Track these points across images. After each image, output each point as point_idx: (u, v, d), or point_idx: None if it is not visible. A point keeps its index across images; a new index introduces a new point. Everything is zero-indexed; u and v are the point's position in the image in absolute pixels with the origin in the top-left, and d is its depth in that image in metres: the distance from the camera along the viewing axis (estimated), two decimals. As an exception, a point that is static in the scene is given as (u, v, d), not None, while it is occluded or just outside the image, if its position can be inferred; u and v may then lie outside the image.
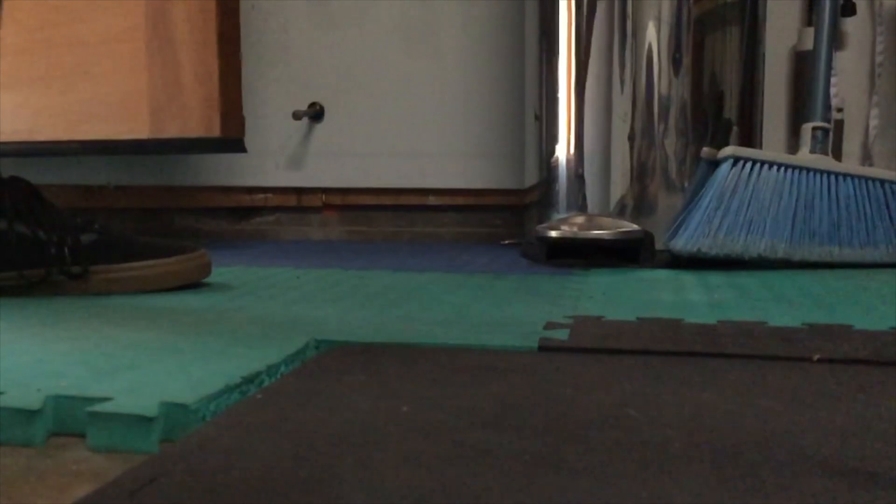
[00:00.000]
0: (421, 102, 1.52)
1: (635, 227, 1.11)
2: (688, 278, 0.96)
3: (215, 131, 1.36)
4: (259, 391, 0.48)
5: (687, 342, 0.60)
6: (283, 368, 0.53)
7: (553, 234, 1.13)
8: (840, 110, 1.33)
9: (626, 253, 1.10)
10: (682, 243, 1.03)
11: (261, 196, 1.62)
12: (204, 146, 1.41)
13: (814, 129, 1.10)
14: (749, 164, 1.04)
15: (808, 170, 1.07)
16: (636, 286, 0.91)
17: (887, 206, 1.10)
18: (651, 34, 1.12)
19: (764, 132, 1.23)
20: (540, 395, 0.46)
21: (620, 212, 1.14)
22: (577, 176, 1.16)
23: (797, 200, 1.06)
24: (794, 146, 1.18)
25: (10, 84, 1.30)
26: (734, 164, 1.04)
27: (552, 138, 1.19)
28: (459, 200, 1.54)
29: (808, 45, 1.19)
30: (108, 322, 0.68)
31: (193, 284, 0.88)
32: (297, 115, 1.52)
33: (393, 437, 0.39)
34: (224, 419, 0.42)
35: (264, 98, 1.55)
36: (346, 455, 0.36)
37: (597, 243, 1.12)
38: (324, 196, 1.59)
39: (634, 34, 1.12)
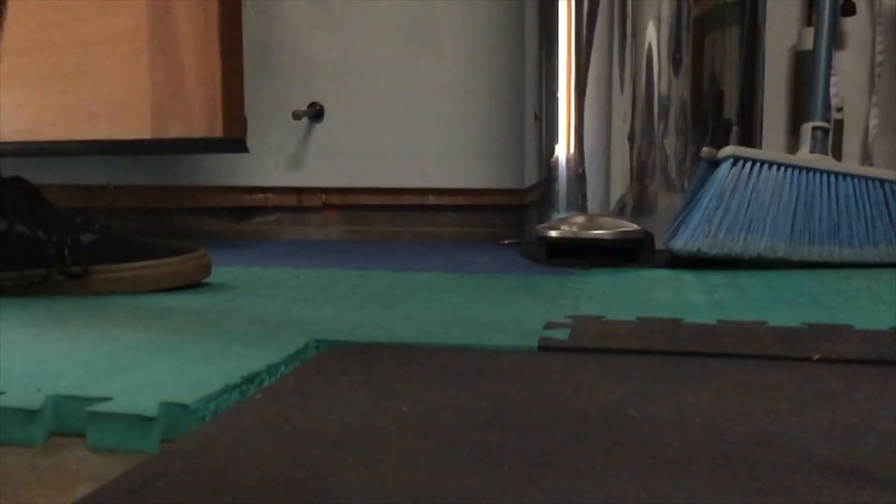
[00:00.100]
0: (421, 102, 1.52)
1: (635, 226, 1.11)
2: (688, 278, 0.96)
3: (218, 131, 1.36)
4: (259, 391, 0.48)
5: (687, 342, 0.60)
6: (282, 368, 0.53)
7: (553, 233, 1.13)
8: (840, 110, 1.33)
9: (626, 253, 1.10)
10: (682, 243, 1.03)
11: (261, 196, 1.62)
12: (206, 146, 1.41)
13: (814, 128, 1.10)
14: (749, 164, 1.04)
15: (808, 169, 1.07)
16: (636, 286, 0.91)
17: (887, 206, 1.10)
18: (651, 34, 1.12)
19: (764, 132, 1.23)
20: (540, 395, 0.46)
21: (620, 212, 1.14)
22: (577, 176, 1.16)
23: (797, 200, 1.06)
24: (793, 146, 1.18)
25: (11, 84, 1.30)
26: (734, 163, 1.04)
27: (552, 138, 1.19)
28: (459, 200, 1.54)
29: (808, 44, 1.19)
30: (108, 322, 0.68)
31: (193, 284, 0.88)
32: (296, 115, 1.52)
33: (393, 437, 0.39)
34: (224, 419, 0.42)
35: (264, 98, 1.55)
36: (346, 455, 0.36)
37: (597, 243, 1.12)
38: (324, 196, 1.59)
39: (634, 34, 1.12)
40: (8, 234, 0.81)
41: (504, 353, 0.57)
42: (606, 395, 0.46)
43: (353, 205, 1.59)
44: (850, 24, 1.35)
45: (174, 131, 1.37)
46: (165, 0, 1.36)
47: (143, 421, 0.40)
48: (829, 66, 1.13)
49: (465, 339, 0.60)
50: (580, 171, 1.16)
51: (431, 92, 1.51)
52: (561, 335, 0.61)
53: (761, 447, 0.38)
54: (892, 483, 0.33)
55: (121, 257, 0.84)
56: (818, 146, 1.10)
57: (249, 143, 1.47)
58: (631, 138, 1.13)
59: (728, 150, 1.05)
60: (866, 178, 1.10)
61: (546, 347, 0.58)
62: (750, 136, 1.17)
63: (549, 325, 0.65)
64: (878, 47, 1.34)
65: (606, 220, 1.13)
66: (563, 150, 1.17)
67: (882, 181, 1.10)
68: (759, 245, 1.04)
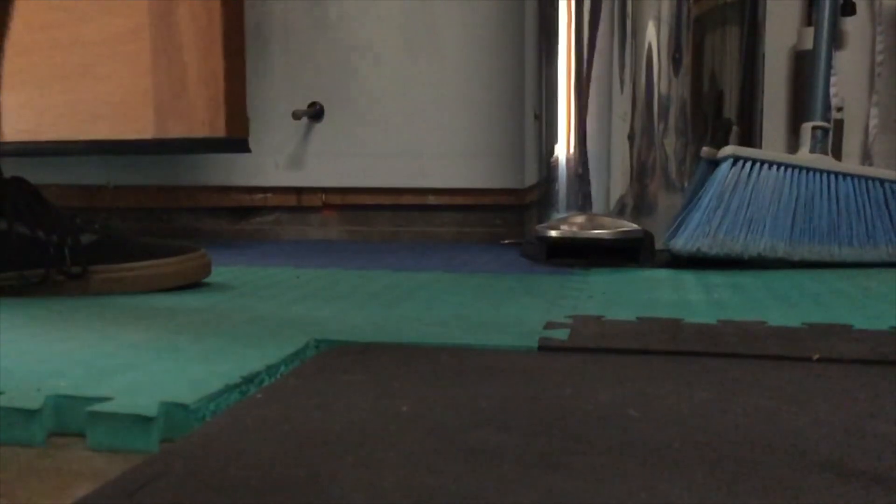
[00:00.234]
0: (421, 102, 1.52)
1: (635, 226, 1.11)
2: (688, 278, 0.96)
3: (220, 131, 1.36)
4: (259, 391, 0.48)
5: (687, 342, 0.60)
6: (282, 368, 0.53)
7: (553, 233, 1.13)
8: (840, 110, 1.33)
9: (626, 253, 1.10)
10: (682, 243, 1.03)
11: (260, 196, 1.62)
12: (209, 146, 1.41)
13: (813, 128, 1.10)
14: (749, 164, 1.04)
15: (808, 169, 1.07)
16: (636, 286, 0.91)
17: (887, 206, 1.10)
18: (651, 34, 1.12)
19: (764, 132, 1.23)
20: (540, 395, 0.46)
21: (620, 211, 1.14)
22: (577, 176, 1.16)
23: (797, 200, 1.06)
24: (793, 146, 1.18)
25: (14, 84, 1.30)
26: (734, 163, 1.04)
27: (552, 138, 1.19)
28: (459, 200, 1.54)
29: (808, 44, 1.19)
30: (108, 322, 0.68)
31: (193, 284, 0.88)
32: (296, 115, 1.52)
33: (393, 437, 0.39)
34: (224, 419, 0.42)
35: (264, 97, 1.55)
36: (346, 455, 0.36)
37: (597, 243, 1.12)
38: (323, 196, 1.59)
39: (634, 34, 1.12)
40: (8, 235, 0.81)
41: (504, 353, 0.57)
42: (606, 395, 0.46)
43: (352, 205, 1.59)
44: (850, 24, 1.35)
45: (176, 131, 1.37)
46: (168, 0, 1.36)
47: (143, 421, 0.40)
48: (829, 66, 1.13)
49: (465, 339, 0.60)
50: (580, 171, 1.16)
51: (431, 92, 1.51)
52: (561, 335, 0.61)
53: (761, 447, 0.38)
54: (892, 483, 0.33)
55: (121, 257, 0.84)
56: (818, 146, 1.10)
57: (250, 142, 1.47)
58: (631, 138, 1.13)
59: (728, 149, 1.05)
60: (866, 178, 1.10)
61: (546, 347, 0.58)
62: (750, 136, 1.17)
63: (549, 325, 0.65)
64: (878, 47, 1.34)
65: (606, 220, 1.13)
66: (562, 150, 1.17)
67: (882, 181, 1.10)
68: (759, 245, 1.04)
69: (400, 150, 1.53)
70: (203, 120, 1.36)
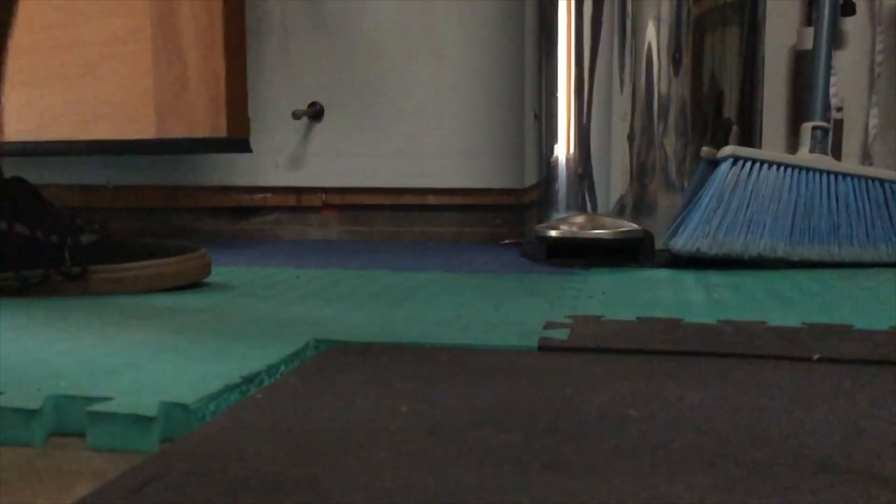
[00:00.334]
0: (421, 102, 1.52)
1: (635, 226, 1.11)
2: (687, 278, 0.96)
3: (221, 131, 1.36)
4: (259, 391, 0.48)
5: (687, 342, 0.60)
6: (282, 368, 0.53)
7: (553, 233, 1.13)
8: (840, 110, 1.33)
9: (626, 253, 1.10)
10: (682, 243, 1.03)
11: (260, 196, 1.62)
12: (210, 146, 1.41)
13: (813, 128, 1.10)
14: (748, 164, 1.04)
15: (808, 169, 1.07)
16: (636, 286, 0.91)
17: (887, 206, 1.10)
18: (651, 34, 1.12)
19: (763, 132, 1.23)
20: (540, 395, 0.46)
21: (620, 211, 1.14)
22: (576, 176, 1.16)
23: (797, 200, 1.06)
24: (793, 146, 1.18)
25: (14, 84, 1.30)
26: (734, 163, 1.04)
27: (552, 138, 1.19)
28: (459, 200, 1.54)
29: (808, 44, 1.19)
30: (108, 322, 0.68)
31: (193, 284, 0.88)
32: (296, 115, 1.52)
33: (393, 437, 0.39)
34: (224, 419, 0.42)
35: (264, 97, 1.55)
36: (346, 455, 0.37)
37: (597, 243, 1.12)
38: (323, 196, 1.59)
39: (634, 34, 1.12)
40: (7, 235, 0.81)
41: (504, 353, 0.57)
42: (606, 395, 0.46)
43: (352, 205, 1.59)
44: (849, 24, 1.35)
45: (177, 131, 1.37)
46: (169, 0, 1.36)
47: (143, 421, 0.40)
48: (828, 66, 1.13)
49: (465, 339, 0.60)
50: (580, 171, 1.16)
51: (431, 92, 1.51)
52: (561, 335, 0.61)
53: (761, 447, 0.38)
54: (892, 483, 0.33)
55: (121, 257, 0.84)
56: (818, 146, 1.10)
57: (250, 142, 1.47)
58: (631, 138, 1.13)
59: (728, 149, 1.05)
60: (866, 178, 1.10)
61: (546, 347, 0.58)
62: (750, 136, 1.17)
63: (549, 325, 0.65)
64: (878, 47, 1.34)
65: (606, 220, 1.13)
66: (562, 150, 1.17)
67: (882, 181, 1.10)
68: (758, 245, 1.04)
69: (400, 150, 1.53)
70: (204, 120, 1.36)
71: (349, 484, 0.33)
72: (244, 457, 0.36)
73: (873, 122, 1.35)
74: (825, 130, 1.11)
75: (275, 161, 1.58)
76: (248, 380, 0.48)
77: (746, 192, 1.04)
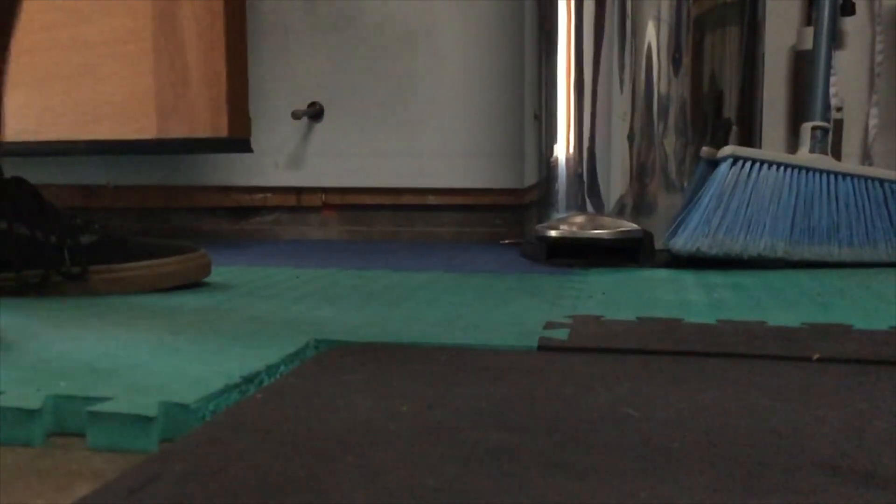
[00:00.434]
0: (421, 102, 1.52)
1: (635, 226, 1.11)
2: (687, 278, 0.96)
3: (222, 131, 1.36)
4: (259, 391, 0.48)
5: (687, 342, 0.60)
6: (282, 368, 0.53)
7: (553, 233, 1.13)
8: (840, 110, 1.33)
9: (626, 252, 1.10)
10: (682, 243, 1.03)
11: (260, 196, 1.62)
12: (211, 146, 1.41)
13: (813, 128, 1.10)
14: (748, 164, 1.04)
15: (808, 169, 1.07)
16: (636, 286, 0.91)
17: (886, 206, 1.10)
18: (650, 34, 1.12)
19: (763, 131, 1.23)
20: (540, 395, 0.46)
21: (620, 211, 1.14)
22: (576, 176, 1.16)
23: (797, 200, 1.06)
24: (793, 146, 1.18)
25: (16, 84, 1.30)
26: (733, 163, 1.04)
27: (552, 138, 1.19)
28: (459, 200, 1.54)
29: (808, 44, 1.19)
30: (108, 322, 0.68)
31: (193, 284, 0.88)
32: (296, 115, 1.52)
33: (393, 437, 0.39)
34: (224, 419, 0.42)
35: (264, 97, 1.55)
36: (346, 455, 0.37)
37: (596, 243, 1.12)
38: (323, 196, 1.59)
39: (634, 34, 1.12)
40: (7, 235, 0.81)
41: (504, 353, 0.57)
42: (606, 395, 0.46)
43: (352, 205, 1.59)
44: (849, 24, 1.35)
45: (178, 131, 1.37)
46: (170, 1, 1.36)
47: (143, 421, 0.40)
48: (828, 66, 1.13)
49: (465, 339, 0.60)
50: (580, 171, 1.16)
51: (431, 92, 1.51)
52: (561, 335, 0.61)
53: (761, 447, 0.38)
54: (892, 483, 0.33)
55: (120, 257, 0.84)
56: (818, 146, 1.10)
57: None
58: (630, 138, 1.13)
59: (727, 149, 1.05)
60: (866, 178, 1.10)
61: (546, 347, 0.58)
62: (749, 136, 1.17)
63: (549, 325, 0.65)
64: (878, 47, 1.34)
65: (606, 220, 1.13)
66: (562, 150, 1.17)
67: (882, 181, 1.10)
68: (758, 245, 1.04)
69: (400, 150, 1.53)
70: (205, 120, 1.36)
71: (349, 484, 0.33)
72: (244, 457, 0.36)
73: (873, 122, 1.35)
74: (825, 130, 1.11)
75: (275, 161, 1.58)
76: (248, 380, 0.48)
77: (746, 192, 1.04)
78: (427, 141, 1.52)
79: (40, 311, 0.73)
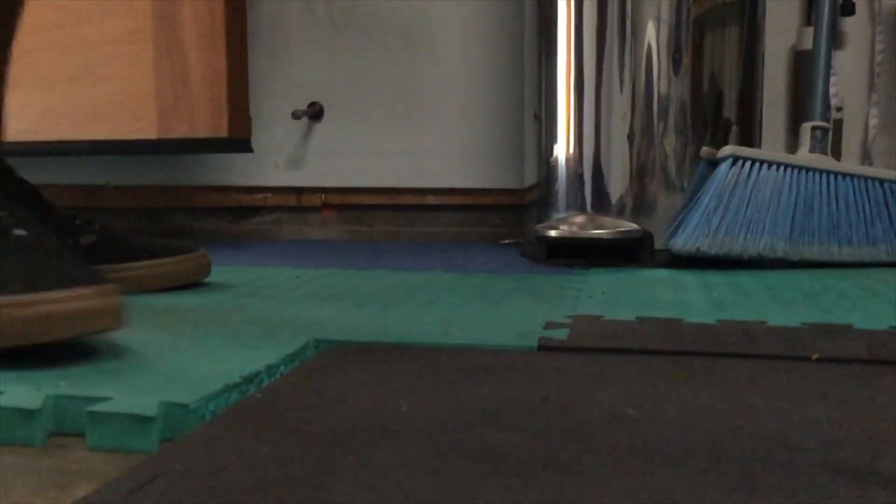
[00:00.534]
0: (420, 102, 1.52)
1: (635, 226, 1.11)
2: (687, 278, 0.96)
3: (223, 131, 1.36)
4: (259, 391, 0.48)
5: (687, 342, 0.60)
6: (282, 368, 0.53)
7: (553, 233, 1.13)
8: (839, 110, 1.33)
9: (626, 252, 1.10)
10: (682, 243, 1.03)
11: (260, 196, 1.62)
12: (211, 146, 1.41)
13: (813, 128, 1.10)
14: (748, 164, 1.04)
15: (808, 169, 1.07)
16: (636, 286, 0.91)
17: (886, 206, 1.10)
18: (650, 34, 1.12)
19: (763, 131, 1.23)
20: (540, 395, 0.46)
21: (620, 211, 1.14)
22: (576, 175, 1.16)
23: (796, 200, 1.06)
24: (793, 145, 1.18)
25: (17, 84, 1.30)
26: (733, 163, 1.04)
27: (552, 138, 1.19)
28: (458, 200, 1.54)
29: (808, 44, 1.19)
30: (107, 322, 0.68)
31: (193, 284, 0.88)
32: (296, 115, 1.52)
33: (393, 437, 0.39)
34: (224, 419, 0.42)
35: (264, 97, 1.55)
36: (346, 455, 0.37)
37: (596, 243, 1.12)
38: (323, 196, 1.59)
39: (634, 34, 1.12)
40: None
41: (504, 353, 0.57)
42: (606, 395, 0.46)
43: (352, 205, 1.59)
44: (849, 24, 1.35)
45: (179, 131, 1.37)
46: (171, 0, 1.36)
47: (142, 421, 0.40)
48: (828, 66, 1.13)
49: (464, 339, 0.60)
50: (580, 171, 1.16)
51: (431, 92, 1.51)
52: (561, 335, 0.61)
53: (761, 447, 0.38)
54: (892, 483, 0.33)
55: (120, 257, 0.84)
56: (818, 146, 1.10)
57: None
58: (630, 138, 1.13)
59: (727, 149, 1.05)
60: (866, 178, 1.10)
61: (546, 347, 0.58)
62: (749, 136, 1.17)
63: (549, 325, 0.65)
64: (878, 47, 1.34)
65: (606, 220, 1.13)
66: (562, 150, 1.17)
67: (882, 181, 1.10)
68: (758, 245, 1.04)
69: (400, 150, 1.53)
70: (205, 120, 1.36)
71: (349, 484, 0.33)
72: (244, 457, 0.36)
73: (873, 122, 1.35)
74: (825, 130, 1.11)
75: (275, 161, 1.58)
76: (248, 380, 0.48)
77: (746, 192, 1.04)
78: (427, 141, 1.52)
79: (40, 311, 0.73)
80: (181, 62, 1.36)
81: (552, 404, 0.45)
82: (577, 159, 1.16)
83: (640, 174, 1.13)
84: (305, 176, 1.58)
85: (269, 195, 1.61)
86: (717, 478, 0.34)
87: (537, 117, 1.22)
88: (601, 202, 1.15)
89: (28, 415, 0.41)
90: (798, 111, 1.29)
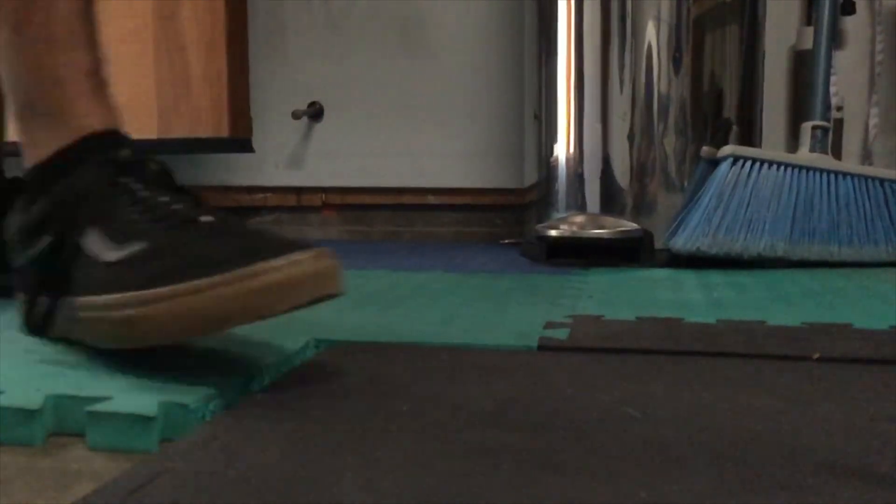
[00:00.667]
0: (420, 102, 1.52)
1: (635, 226, 1.11)
2: (687, 277, 0.96)
3: (224, 131, 1.36)
4: (259, 391, 0.48)
5: (687, 342, 0.60)
6: (282, 368, 0.53)
7: (553, 233, 1.13)
8: (840, 109, 1.33)
9: (626, 252, 1.10)
10: (682, 242, 1.03)
11: (260, 196, 1.62)
12: (212, 146, 1.41)
13: (813, 127, 1.10)
14: (748, 164, 1.04)
15: (808, 169, 1.07)
16: (636, 285, 0.91)
17: (887, 205, 1.10)
18: (650, 34, 1.12)
19: (763, 131, 1.23)
20: (540, 395, 0.46)
21: (620, 211, 1.14)
22: (576, 176, 1.16)
23: (797, 199, 1.06)
24: (793, 145, 1.18)
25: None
26: (734, 163, 1.04)
27: (552, 138, 1.19)
28: (459, 200, 1.54)
29: (808, 44, 1.19)
30: (107, 322, 0.68)
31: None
32: (296, 115, 1.52)
33: (393, 437, 0.39)
34: (224, 419, 0.42)
35: (264, 97, 1.55)
36: (346, 455, 0.37)
37: (596, 242, 1.12)
38: (323, 196, 1.59)
39: (634, 34, 1.12)
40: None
41: (504, 352, 0.57)
42: (606, 394, 0.46)
43: (352, 204, 1.59)
44: (849, 24, 1.35)
45: (180, 131, 1.37)
46: (171, 0, 1.36)
47: (142, 421, 0.40)
48: (828, 66, 1.13)
49: (464, 339, 0.60)
50: (580, 171, 1.16)
51: (431, 92, 1.51)
52: (561, 335, 0.61)
53: (761, 447, 0.38)
54: (892, 483, 0.33)
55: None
56: (818, 145, 1.10)
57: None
58: (630, 138, 1.13)
59: (727, 149, 1.05)
60: (866, 178, 1.10)
61: (546, 347, 0.58)
62: (750, 136, 1.17)
63: (549, 325, 0.65)
64: (878, 47, 1.34)
65: (606, 220, 1.13)
66: (562, 149, 1.17)
67: (882, 180, 1.10)
68: (758, 244, 1.04)
69: (400, 150, 1.53)
70: (206, 120, 1.36)
71: (349, 484, 0.33)
72: (244, 457, 0.36)
73: (873, 121, 1.35)
74: (825, 130, 1.11)
75: (275, 161, 1.58)
76: (248, 380, 0.48)
77: (746, 192, 1.04)
78: (427, 141, 1.52)
79: (40, 311, 0.73)
80: (181, 62, 1.36)
81: (552, 404, 0.45)
82: (577, 159, 1.16)
83: (640, 174, 1.13)
84: (305, 176, 1.58)
85: (269, 195, 1.61)
86: (718, 477, 0.34)
87: (537, 117, 1.22)
88: (601, 202, 1.15)
89: (28, 415, 0.41)
90: (798, 111, 1.29)
